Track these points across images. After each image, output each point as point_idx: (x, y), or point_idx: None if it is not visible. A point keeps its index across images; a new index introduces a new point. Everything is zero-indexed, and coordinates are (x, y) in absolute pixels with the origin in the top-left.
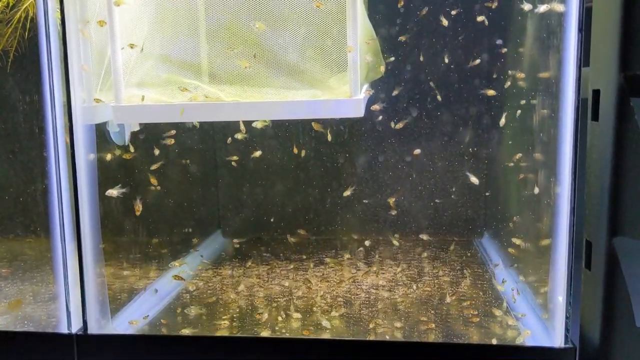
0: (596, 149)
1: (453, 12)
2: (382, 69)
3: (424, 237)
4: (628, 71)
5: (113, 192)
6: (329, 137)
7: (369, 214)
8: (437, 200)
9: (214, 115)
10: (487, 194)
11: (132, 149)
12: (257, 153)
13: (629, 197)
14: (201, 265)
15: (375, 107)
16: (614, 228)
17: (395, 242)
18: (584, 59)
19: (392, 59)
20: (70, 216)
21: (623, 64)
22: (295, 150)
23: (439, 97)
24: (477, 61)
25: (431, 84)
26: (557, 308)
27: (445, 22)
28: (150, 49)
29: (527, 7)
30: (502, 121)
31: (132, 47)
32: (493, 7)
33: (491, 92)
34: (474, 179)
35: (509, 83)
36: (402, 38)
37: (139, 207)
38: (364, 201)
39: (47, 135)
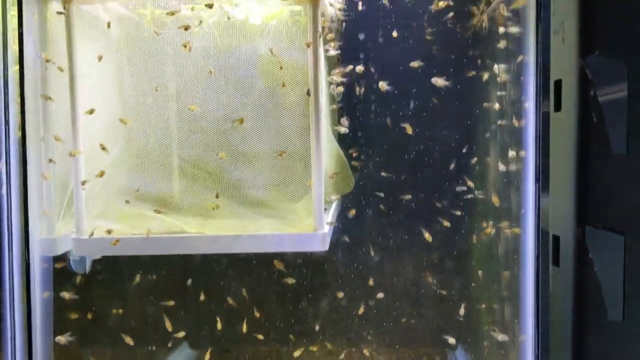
0: (558, 296)
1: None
2: (352, 182)
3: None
4: (587, 224)
5: (62, 339)
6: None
7: (342, 326)
8: (409, 313)
9: (177, 248)
10: (461, 310)
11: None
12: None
13: (592, 350)
14: None
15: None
16: None
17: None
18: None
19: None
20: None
21: (580, 215)
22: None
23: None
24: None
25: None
26: None
27: None
28: (114, 180)
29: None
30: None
31: (83, 184)
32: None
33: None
34: (452, 340)
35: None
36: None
37: None
38: (335, 315)
39: (3, 272)
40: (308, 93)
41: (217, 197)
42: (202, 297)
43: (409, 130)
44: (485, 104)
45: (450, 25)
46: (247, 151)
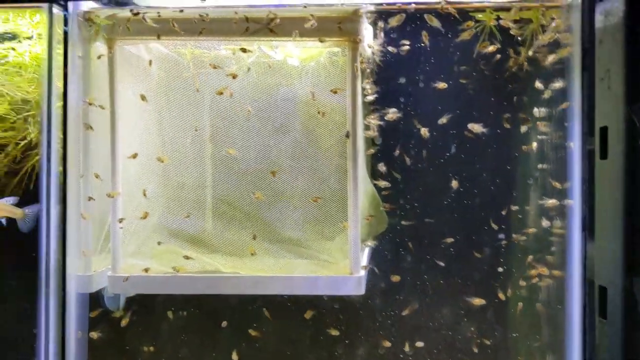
0: (605, 350)
1: None
2: (386, 223)
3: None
4: (635, 275)
5: None
6: None
7: None
8: None
9: (210, 288)
10: None
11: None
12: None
13: None
14: None
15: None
16: None
17: None
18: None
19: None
20: None
21: (628, 266)
22: None
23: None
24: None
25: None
26: None
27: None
28: (150, 218)
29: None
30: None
31: (120, 222)
32: None
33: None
34: None
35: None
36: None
37: None
38: None
39: (40, 308)
40: (347, 135)
41: (254, 238)
42: (234, 341)
43: (455, 185)
44: (524, 147)
45: (490, 68)
46: (283, 191)
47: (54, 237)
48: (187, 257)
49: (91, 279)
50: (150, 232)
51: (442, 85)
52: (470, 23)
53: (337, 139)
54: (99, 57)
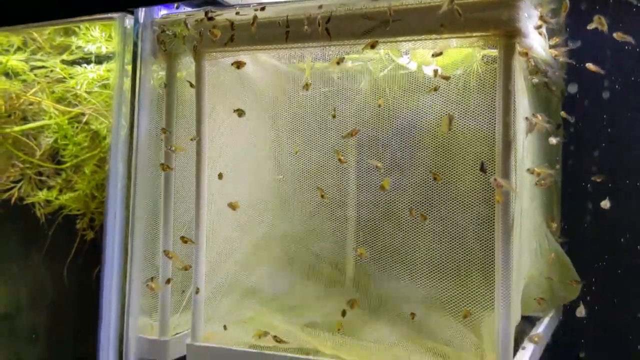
0: None
1: None
2: (577, 287)
3: None
4: None
5: None
6: None
7: None
8: None
9: None
10: None
11: None
12: None
13: None
14: None
15: None
16: None
17: None
18: None
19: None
20: None
21: None
22: None
23: None
24: None
25: None
26: None
27: None
28: (238, 280)
29: None
30: None
31: (196, 292)
32: None
33: None
34: None
35: None
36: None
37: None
38: None
39: None
40: (482, 169)
41: (343, 314)
42: None
43: None
44: None
45: None
46: (403, 252)
47: (114, 299)
48: (278, 340)
49: (167, 345)
50: (242, 297)
51: None
52: None
53: (485, 180)
54: (191, 85)
